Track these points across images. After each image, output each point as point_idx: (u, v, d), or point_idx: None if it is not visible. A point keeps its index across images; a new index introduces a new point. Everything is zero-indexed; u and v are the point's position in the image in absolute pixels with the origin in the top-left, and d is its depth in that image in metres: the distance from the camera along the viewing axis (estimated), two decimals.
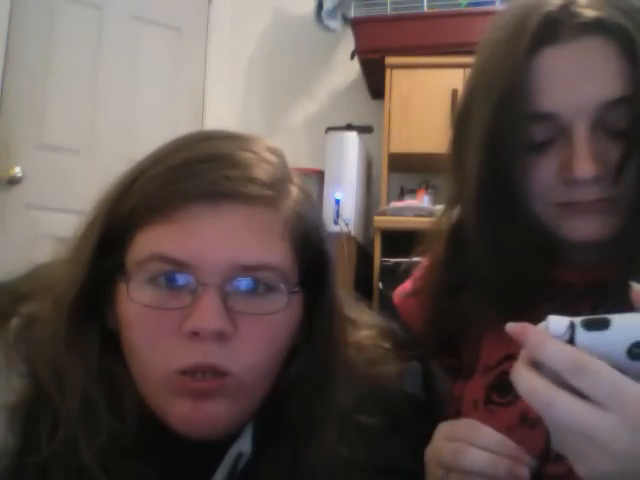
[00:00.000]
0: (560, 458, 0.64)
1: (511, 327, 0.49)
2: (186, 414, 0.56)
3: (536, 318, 0.70)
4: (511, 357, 0.70)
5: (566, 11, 0.67)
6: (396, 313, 0.84)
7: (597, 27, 0.65)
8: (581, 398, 0.44)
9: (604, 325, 0.46)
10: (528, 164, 0.69)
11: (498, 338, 0.72)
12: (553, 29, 0.67)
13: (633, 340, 0.45)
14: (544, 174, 0.68)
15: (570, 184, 0.67)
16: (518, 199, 0.71)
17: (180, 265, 0.55)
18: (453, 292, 0.76)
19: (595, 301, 0.69)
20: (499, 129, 0.68)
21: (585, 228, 0.68)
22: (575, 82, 0.66)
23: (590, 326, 0.46)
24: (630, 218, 0.67)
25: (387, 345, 0.71)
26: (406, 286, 0.86)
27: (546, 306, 0.70)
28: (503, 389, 0.70)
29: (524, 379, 0.46)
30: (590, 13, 0.66)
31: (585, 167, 0.65)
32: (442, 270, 0.79)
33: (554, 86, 0.67)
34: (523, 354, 0.48)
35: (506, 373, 0.69)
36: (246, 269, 0.56)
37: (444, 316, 0.77)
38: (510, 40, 0.68)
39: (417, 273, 0.85)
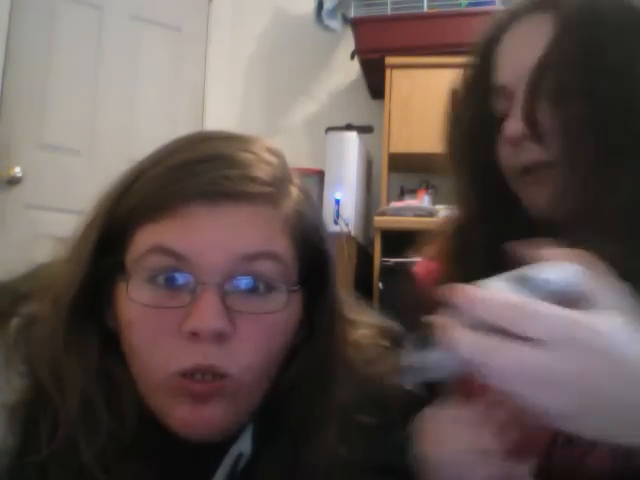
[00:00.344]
0: (569, 443, 0.64)
1: (440, 292, 0.46)
2: (185, 418, 0.56)
3: None
4: None
5: None
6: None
7: (545, 5, 0.71)
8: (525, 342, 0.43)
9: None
10: (498, 139, 0.73)
11: None
12: (514, 14, 0.75)
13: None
14: (504, 145, 0.73)
15: (510, 144, 0.71)
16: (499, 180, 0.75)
17: (179, 259, 0.55)
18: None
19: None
20: (474, 105, 0.76)
21: (535, 194, 0.71)
22: (515, 53, 0.73)
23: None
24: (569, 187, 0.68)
25: (386, 343, 0.71)
26: (429, 265, 0.86)
27: None
28: None
29: (464, 337, 0.43)
30: None
31: (513, 125, 0.70)
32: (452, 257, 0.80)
33: (504, 60, 0.74)
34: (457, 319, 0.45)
35: None
36: (247, 259, 0.56)
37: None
38: (484, 35, 0.78)
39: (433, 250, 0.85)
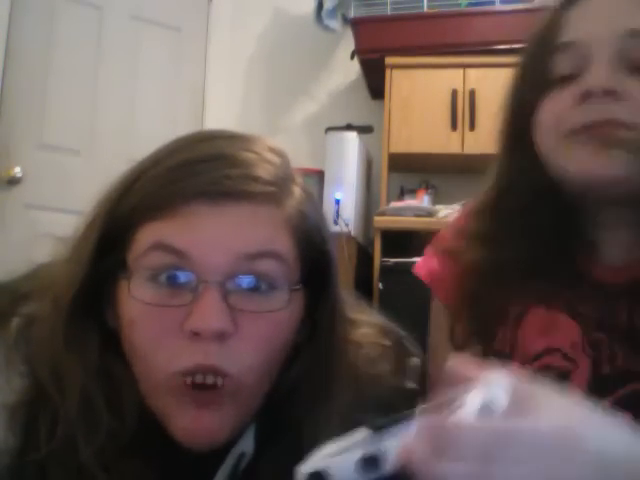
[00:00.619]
0: None
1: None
2: (187, 428, 0.56)
3: (574, 313, 0.70)
4: (551, 350, 0.70)
5: None
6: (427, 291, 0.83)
7: None
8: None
9: None
10: (549, 98, 0.69)
11: (537, 327, 0.72)
12: None
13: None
14: (563, 103, 0.68)
15: (584, 101, 0.66)
16: (532, 144, 0.70)
17: (181, 257, 0.55)
18: (493, 270, 0.74)
19: (632, 303, 0.68)
20: (528, 66, 0.72)
21: (593, 160, 0.65)
22: (600, 13, 0.68)
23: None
24: None
25: (387, 343, 0.71)
26: (429, 262, 0.83)
27: (580, 306, 0.70)
28: None
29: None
30: None
31: (598, 76, 0.65)
32: (482, 247, 0.76)
33: (581, 19, 0.69)
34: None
35: (547, 368, 0.69)
36: (249, 258, 0.56)
37: (482, 297, 0.75)
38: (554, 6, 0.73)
39: (441, 247, 0.82)
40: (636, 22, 0.67)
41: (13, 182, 2.47)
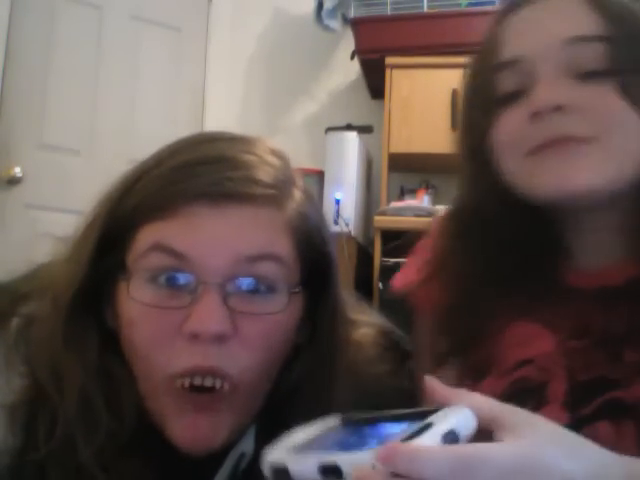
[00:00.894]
0: None
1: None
2: (185, 432, 0.56)
3: (549, 323, 0.69)
4: (527, 362, 0.68)
5: None
6: (404, 304, 0.80)
7: None
8: None
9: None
10: (501, 117, 0.67)
11: (513, 340, 0.71)
12: None
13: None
14: (514, 123, 0.66)
15: (535, 121, 0.64)
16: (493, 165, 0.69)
17: (180, 258, 0.55)
18: (464, 286, 0.73)
19: (608, 308, 0.67)
20: (473, 86, 0.71)
21: (557, 174, 0.63)
22: (537, 25, 0.67)
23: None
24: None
25: (386, 344, 0.71)
26: (409, 275, 0.82)
27: (554, 315, 0.69)
28: (519, 399, 0.68)
29: None
30: None
31: (544, 94, 0.63)
32: (449, 263, 0.75)
33: (520, 33, 0.68)
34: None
35: (523, 380, 0.68)
36: (249, 260, 0.56)
37: (460, 311, 0.74)
38: (494, 15, 0.72)
39: (420, 260, 0.81)
40: (574, 28, 0.65)
41: (13, 182, 2.47)
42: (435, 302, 0.75)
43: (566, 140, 0.63)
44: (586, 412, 0.64)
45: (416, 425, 0.39)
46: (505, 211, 0.70)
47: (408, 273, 0.82)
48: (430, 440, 0.37)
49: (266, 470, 0.41)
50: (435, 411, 0.41)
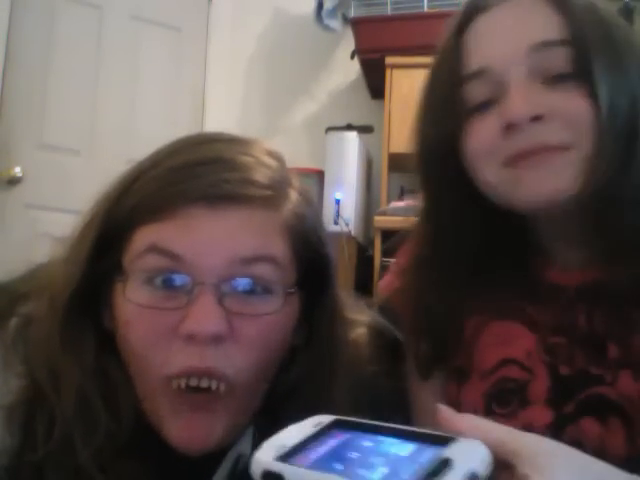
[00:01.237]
0: None
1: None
2: (183, 431, 0.56)
3: (529, 322, 0.69)
4: (507, 361, 0.68)
5: None
6: (389, 309, 0.80)
7: None
8: None
9: None
10: (472, 127, 0.67)
11: (492, 340, 0.71)
12: (483, 1, 0.69)
13: None
14: (488, 133, 0.65)
15: (510, 132, 0.63)
16: (468, 175, 0.69)
17: (176, 260, 0.55)
18: (441, 288, 0.72)
19: (589, 305, 0.67)
20: (436, 99, 0.71)
21: (538, 184, 0.63)
22: (505, 32, 0.66)
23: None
24: (599, 171, 0.61)
25: (382, 343, 0.71)
26: (392, 279, 0.81)
27: (535, 313, 0.69)
28: (503, 399, 0.68)
29: None
30: None
31: (518, 105, 0.62)
32: (426, 267, 0.75)
33: (485, 43, 0.67)
34: None
35: (504, 380, 0.68)
36: (245, 262, 0.56)
37: (434, 315, 0.73)
38: (449, 29, 0.72)
39: (399, 266, 0.80)
40: (539, 33, 0.64)
41: (13, 182, 2.48)
42: (411, 307, 0.74)
43: (543, 149, 0.63)
44: (569, 410, 0.64)
45: (428, 454, 0.38)
46: (479, 215, 0.70)
47: (391, 277, 0.82)
48: None
49: (256, 474, 0.38)
50: (446, 439, 0.39)
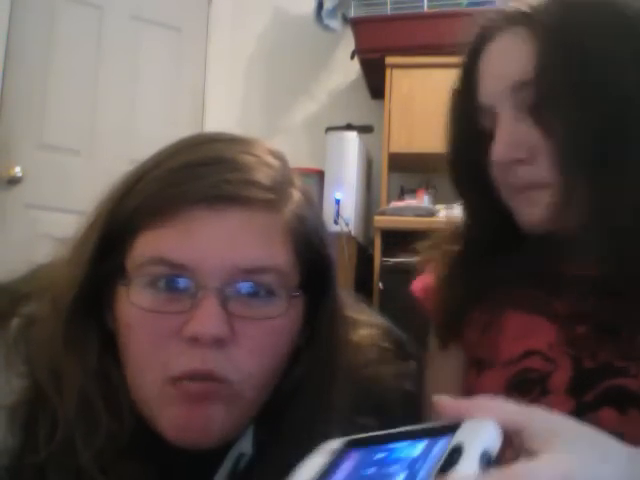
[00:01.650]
0: None
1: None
2: (180, 420, 0.55)
3: (550, 314, 0.70)
4: (531, 353, 0.70)
5: (499, 10, 0.73)
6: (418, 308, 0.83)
7: (518, 19, 0.70)
8: None
9: None
10: (490, 149, 0.71)
11: (515, 332, 0.72)
12: (490, 29, 0.72)
13: None
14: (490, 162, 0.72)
15: (499, 167, 0.70)
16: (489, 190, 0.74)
17: (180, 268, 0.55)
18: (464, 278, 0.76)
19: (612, 294, 0.68)
20: (460, 119, 0.77)
21: (530, 213, 0.70)
22: (495, 70, 0.71)
23: None
24: (567, 205, 0.66)
25: (386, 344, 0.71)
26: (426, 280, 0.84)
27: (558, 305, 0.71)
28: (523, 388, 0.69)
29: None
30: (514, 8, 0.71)
31: (498, 151, 0.69)
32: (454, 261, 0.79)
33: (483, 79, 0.72)
34: None
35: (527, 371, 0.70)
36: (246, 272, 0.56)
37: (454, 304, 0.76)
38: (467, 47, 0.76)
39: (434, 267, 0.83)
40: (517, 72, 0.68)
41: (13, 182, 2.47)
42: (438, 299, 0.78)
43: (528, 186, 0.69)
44: (589, 399, 0.65)
45: (439, 445, 0.38)
46: (503, 231, 0.74)
47: (426, 279, 0.83)
48: (469, 466, 0.36)
49: None
50: (454, 426, 0.39)
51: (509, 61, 0.69)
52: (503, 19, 0.71)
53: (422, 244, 0.84)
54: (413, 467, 0.37)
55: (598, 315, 0.68)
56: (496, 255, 0.74)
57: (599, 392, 0.66)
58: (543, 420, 0.42)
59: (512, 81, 0.68)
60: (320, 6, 2.59)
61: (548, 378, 0.68)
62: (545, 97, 0.66)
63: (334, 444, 0.43)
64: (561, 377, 0.68)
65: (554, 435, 0.40)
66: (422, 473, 0.36)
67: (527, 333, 0.71)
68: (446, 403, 0.42)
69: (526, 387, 0.69)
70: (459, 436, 0.38)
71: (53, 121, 2.57)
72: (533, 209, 0.69)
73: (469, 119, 0.74)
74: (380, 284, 2.12)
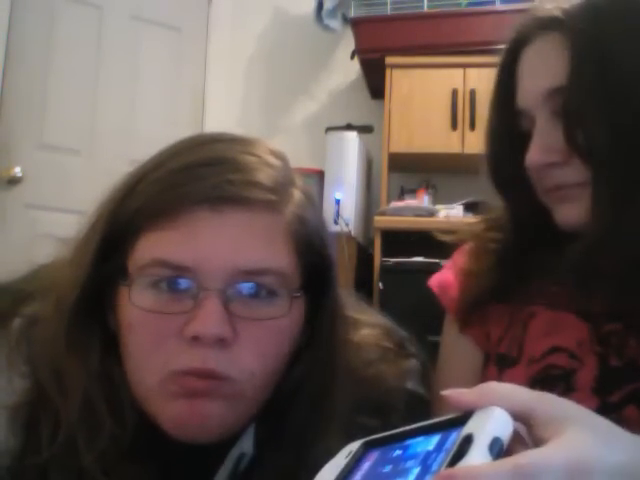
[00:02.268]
0: None
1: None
2: (178, 414, 0.55)
3: (581, 311, 0.71)
4: (557, 349, 0.71)
5: (534, 14, 0.73)
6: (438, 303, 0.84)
7: (551, 24, 0.70)
8: None
9: None
10: (527, 151, 0.73)
11: (542, 329, 0.73)
12: (526, 33, 0.73)
13: None
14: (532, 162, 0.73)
15: (534, 170, 0.72)
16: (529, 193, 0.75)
17: (182, 270, 0.55)
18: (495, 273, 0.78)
19: (631, 296, 0.69)
20: (500, 121, 0.77)
21: (565, 215, 0.72)
22: (531, 75, 0.73)
23: None
24: (603, 207, 0.68)
25: (388, 344, 0.71)
26: (445, 276, 0.85)
27: (589, 302, 0.71)
28: (548, 384, 0.70)
29: None
30: (548, 12, 0.72)
31: (533, 156, 0.71)
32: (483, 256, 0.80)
33: (522, 82, 0.74)
34: None
35: (551, 367, 0.70)
36: (248, 274, 0.56)
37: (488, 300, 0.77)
38: (505, 48, 0.77)
39: (457, 263, 0.84)
40: (550, 78, 0.69)
41: (13, 182, 2.48)
42: (463, 297, 0.80)
43: (564, 187, 0.71)
44: (615, 399, 0.66)
45: (452, 437, 0.38)
46: (539, 218, 0.75)
47: (445, 274, 0.85)
48: (479, 455, 0.36)
49: None
50: (465, 418, 0.39)
51: (544, 67, 0.71)
52: (537, 24, 0.72)
53: (463, 229, 0.86)
54: (427, 461, 0.37)
55: (630, 313, 0.69)
56: (532, 252, 0.76)
57: (626, 393, 0.66)
58: (553, 405, 0.42)
59: (547, 87, 0.70)
60: (320, 6, 2.59)
61: (573, 375, 0.69)
62: (577, 103, 0.67)
63: (353, 446, 0.44)
64: (587, 375, 0.68)
65: (564, 420, 0.40)
66: (434, 466, 0.36)
67: (555, 330, 0.72)
68: (455, 395, 0.42)
69: (549, 384, 0.69)
70: (470, 426, 0.38)
71: (53, 121, 2.57)
72: (569, 208, 0.71)
73: (508, 120, 0.76)
74: (380, 284, 2.12)
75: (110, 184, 0.61)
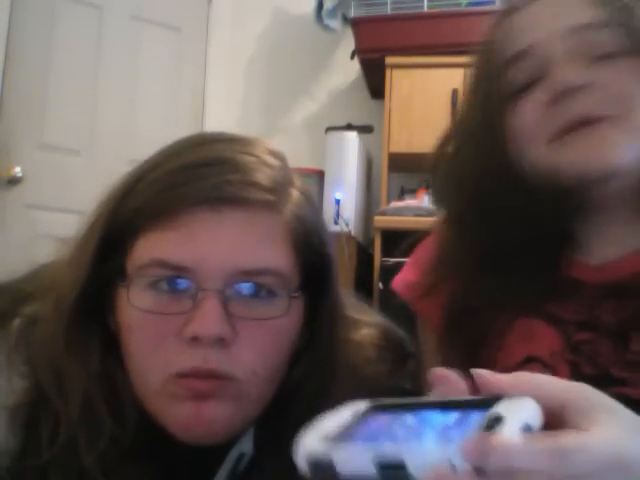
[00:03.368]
0: None
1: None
2: (186, 417, 0.55)
3: (553, 319, 0.69)
4: (531, 359, 0.68)
5: None
6: (403, 304, 0.80)
7: None
8: None
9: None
10: (517, 109, 0.68)
11: (518, 337, 0.71)
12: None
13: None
14: (533, 110, 0.67)
15: (557, 102, 0.65)
16: (513, 160, 0.69)
17: (181, 270, 0.55)
18: (471, 288, 0.73)
19: (616, 303, 0.67)
20: (482, 85, 0.72)
21: (586, 152, 0.64)
22: (549, 16, 0.69)
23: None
24: None
25: (386, 344, 0.71)
26: (408, 276, 0.81)
27: (561, 311, 0.69)
28: None
29: None
30: None
31: (565, 74, 0.64)
32: (455, 267, 0.75)
33: (531, 25, 0.69)
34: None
35: None
36: (247, 274, 0.56)
37: (465, 312, 0.73)
38: (490, 24, 0.74)
39: (419, 260, 0.81)
40: (580, 18, 0.66)
41: (13, 182, 2.48)
42: (438, 308, 0.75)
43: (589, 121, 0.63)
44: None
45: (474, 416, 0.37)
46: (515, 202, 0.69)
47: (407, 274, 0.82)
48: (511, 433, 0.35)
49: (302, 462, 0.37)
50: (490, 401, 0.38)
51: (568, 9, 0.68)
52: None
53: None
54: (447, 432, 0.36)
55: (603, 321, 0.67)
56: (504, 258, 0.71)
57: None
58: (591, 394, 0.41)
59: (572, 24, 0.66)
60: (320, 6, 2.59)
61: None
62: (629, 38, 0.64)
63: (359, 405, 0.42)
64: None
65: (601, 411, 0.40)
66: (457, 435, 0.35)
67: (530, 338, 0.70)
68: (487, 375, 0.41)
69: None
70: (499, 408, 0.37)
71: (53, 121, 2.57)
72: (588, 143, 0.63)
73: (500, 75, 0.69)
74: (380, 284, 2.12)
75: (110, 184, 0.61)
